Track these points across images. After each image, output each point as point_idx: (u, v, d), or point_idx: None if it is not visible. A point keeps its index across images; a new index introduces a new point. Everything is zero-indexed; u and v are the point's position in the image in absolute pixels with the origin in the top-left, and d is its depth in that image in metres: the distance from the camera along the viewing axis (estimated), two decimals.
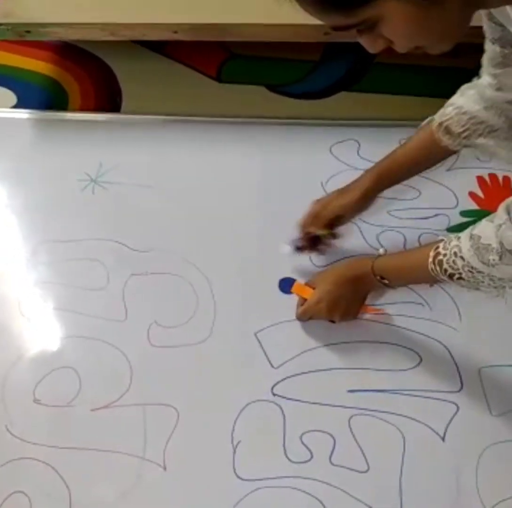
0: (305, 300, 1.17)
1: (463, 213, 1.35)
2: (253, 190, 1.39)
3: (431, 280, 1.03)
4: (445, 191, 1.38)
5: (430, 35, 0.75)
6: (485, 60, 1.01)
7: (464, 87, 1.10)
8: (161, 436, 1.07)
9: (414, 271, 1.04)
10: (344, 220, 1.23)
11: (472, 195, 1.38)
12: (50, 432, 1.08)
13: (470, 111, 1.07)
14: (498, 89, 1.02)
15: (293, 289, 1.20)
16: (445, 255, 0.96)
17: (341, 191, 1.22)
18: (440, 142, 1.11)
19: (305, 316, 1.18)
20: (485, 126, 1.07)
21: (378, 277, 1.08)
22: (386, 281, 1.09)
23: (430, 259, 0.98)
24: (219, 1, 1.54)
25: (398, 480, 1.04)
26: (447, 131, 1.10)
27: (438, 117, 1.12)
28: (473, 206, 1.36)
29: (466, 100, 1.08)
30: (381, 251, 1.10)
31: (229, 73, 1.72)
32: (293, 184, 1.39)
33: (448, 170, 1.40)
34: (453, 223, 1.33)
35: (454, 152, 1.13)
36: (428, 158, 1.17)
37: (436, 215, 1.34)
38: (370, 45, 0.78)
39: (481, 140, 1.09)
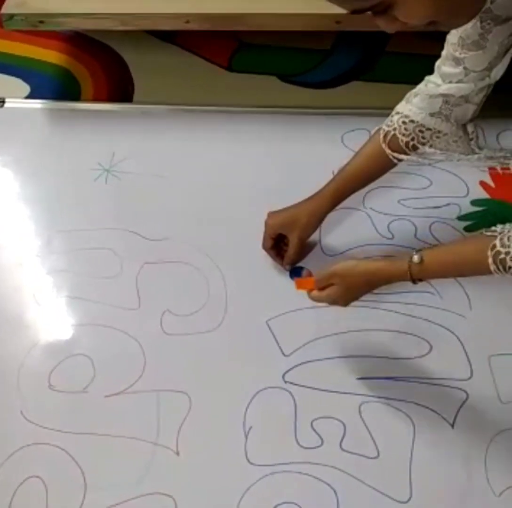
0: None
1: (474, 202, 1.35)
2: (264, 179, 1.40)
3: (480, 275, 0.97)
4: (456, 180, 1.39)
5: (445, 10, 0.75)
6: (449, 47, 1.01)
7: (410, 93, 1.11)
8: (174, 422, 1.08)
9: (466, 271, 1.00)
10: (294, 236, 1.21)
11: (483, 184, 1.38)
12: (65, 418, 1.09)
13: (415, 120, 1.08)
14: (458, 81, 1.02)
15: (297, 285, 1.14)
16: (507, 253, 0.90)
17: (295, 205, 1.22)
18: (386, 153, 1.12)
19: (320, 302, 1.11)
20: (431, 133, 1.09)
21: (416, 281, 1.01)
22: (423, 281, 1.02)
23: (490, 260, 0.91)
24: None
25: (408, 467, 1.04)
26: (392, 141, 1.11)
27: (385, 125, 1.13)
28: (484, 195, 1.37)
29: (411, 107, 1.09)
30: (416, 258, 0.98)
31: (240, 63, 1.73)
32: (304, 173, 1.39)
33: (459, 160, 1.40)
34: (464, 212, 1.33)
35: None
36: (377, 170, 1.17)
37: (447, 204, 1.35)
38: (387, 25, 0.78)
39: (427, 149, 1.10)
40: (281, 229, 1.23)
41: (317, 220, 1.22)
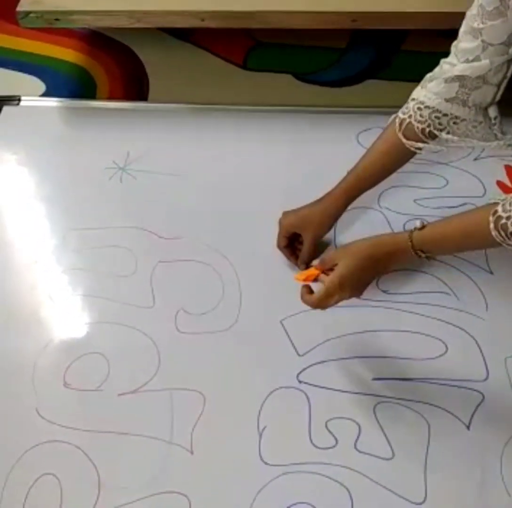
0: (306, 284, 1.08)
1: None
2: (280, 179, 1.40)
3: (487, 246, 0.98)
4: (472, 179, 1.38)
5: None
6: (468, 19, 0.99)
7: (426, 77, 1.08)
8: (188, 421, 1.08)
9: (469, 239, 0.98)
10: (308, 235, 1.21)
11: (500, 184, 1.37)
12: (79, 416, 1.09)
13: (431, 105, 1.06)
14: (474, 59, 0.99)
15: (298, 276, 1.11)
16: (508, 217, 0.90)
17: (309, 204, 1.22)
18: (403, 142, 1.09)
19: (323, 301, 1.05)
20: (448, 119, 1.06)
21: (419, 252, 1.01)
22: (427, 254, 1.01)
23: (492, 225, 0.91)
24: None
25: (422, 468, 1.04)
26: (408, 129, 1.08)
27: (400, 112, 1.10)
28: (501, 195, 1.35)
29: (426, 93, 1.06)
30: (418, 224, 1.00)
31: (256, 61, 1.73)
32: (319, 172, 1.38)
33: (476, 159, 1.39)
34: None
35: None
36: (393, 162, 1.15)
37: (463, 204, 1.33)
38: None
39: (444, 136, 1.07)
40: (295, 228, 1.23)
41: (331, 219, 1.21)
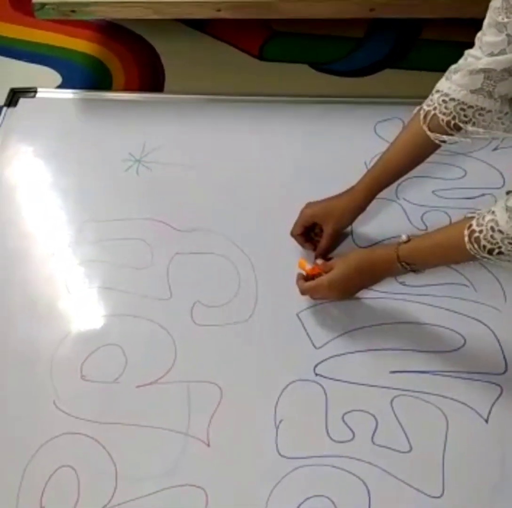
0: (306, 276, 1.18)
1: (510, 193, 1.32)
2: (296, 169, 1.39)
3: (463, 260, 1.02)
4: (491, 170, 1.36)
5: None
6: (492, 12, 0.96)
7: (451, 69, 1.06)
8: (205, 413, 1.08)
9: (447, 253, 1.03)
10: (329, 226, 1.22)
11: None
12: (97, 408, 1.10)
13: (456, 97, 1.04)
14: (500, 52, 0.96)
15: (302, 266, 1.20)
16: (481, 231, 0.95)
17: (333, 197, 1.23)
18: (427, 135, 1.08)
19: (310, 293, 1.17)
20: (473, 111, 1.04)
21: (403, 263, 1.07)
22: (411, 267, 1.08)
23: (466, 238, 0.96)
24: None
25: (440, 461, 1.03)
26: (433, 122, 1.07)
27: (425, 105, 1.09)
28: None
29: (450, 85, 1.04)
30: (404, 237, 1.08)
31: (272, 51, 1.72)
32: (337, 163, 1.38)
33: (495, 149, 1.37)
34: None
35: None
36: (418, 155, 1.14)
37: (482, 194, 1.32)
38: None
39: (469, 128, 1.05)
40: (317, 218, 1.23)
41: (352, 214, 1.22)
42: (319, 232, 1.25)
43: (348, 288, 1.18)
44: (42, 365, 1.14)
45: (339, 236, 1.26)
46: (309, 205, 1.24)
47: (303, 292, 1.18)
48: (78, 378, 1.13)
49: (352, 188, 1.20)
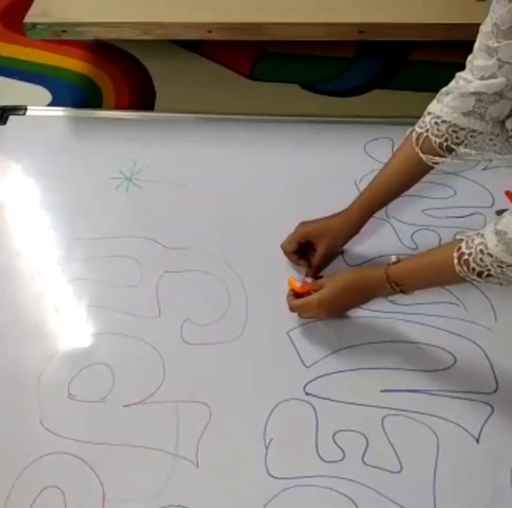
0: (296, 293, 1.18)
1: (500, 213, 1.33)
2: (286, 189, 1.39)
3: (453, 282, 1.03)
4: (481, 190, 1.37)
5: None
6: (482, 37, 0.97)
7: (442, 91, 1.07)
8: (194, 433, 1.07)
9: (436, 274, 1.04)
10: (323, 245, 1.22)
11: (508, 194, 1.36)
12: (84, 427, 1.08)
13: (448, 120, 1.05)
14: (490, 76, 0.98)
15: (292, 285, 1.19)
16: (470, 254, 0.95)
17: (328, 217, 1.23)
18: (419, 157, 1.09)
19: (300, 310, 1.17)
20: (465, 133, 1.05)
21: (393, 284, 1.07)
22: (401, 288, 1.08)
23: (455, 261, 0.97)
24: (252, 0, 1.54)
25: (431, 481, 1.02)
26: (425, 144, 1.08)
27: (417, 127, 1.10)
28: (510, 205, 1.34)
29: (442, 107, 1.06)
30: (393, 258, 1.09)
31: (263, 71, 1.73)
32: (327, 183, 1.39)
33: (484, 169, 1.38)
34: (489, 222, 1.31)
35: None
36: (411, 177, 1.15)
37: (472, 214, 1.33)
38: None
39: (461, 150, 1.07)
40: (311, 237, 1.23)
41: (346, 235, 1.23)
42: (311, 251, 1.25)
43: (337, 308, 1.17)
44: (29, 383, 1.12)
45: (332, 256, 1.26)
46: (304, 223, 1.25)
47: (292, 309, 1.18)
48: (66, 397, 1.11)
49: (347, 209, 1.21)
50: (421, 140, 1.08)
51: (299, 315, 1.19)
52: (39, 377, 1.13)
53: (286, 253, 1.26)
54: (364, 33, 1.52)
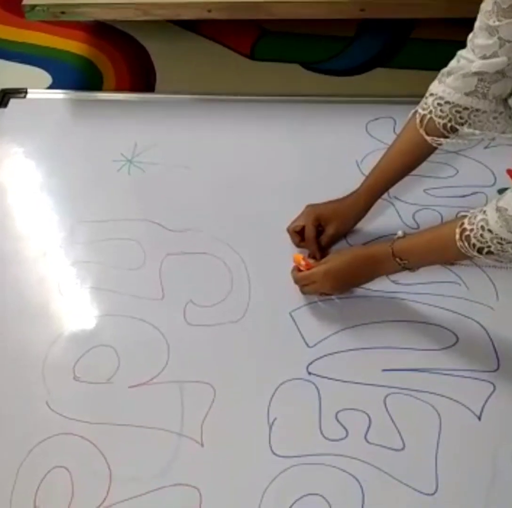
0: (300, 270, 1.18)
1: (501, 191, 1.32)
2: (288, 169, 1.39)
3: (455, 258, 1.04)
4: (482, 169, 1.37)
5: None
6: (483, 15, 0.97)
7: (443, 72, 1.06)
8: (198, 413, 1.08)
9: (439, 249, 1.04)
10: (332, 227, 1.23)
11: (510, 172, 1.36)
12: (90, 409, 1.09)
13: (451, 100, 1.05)
14: (492, 55, 0.97)
15: (297, 260, 1.19)
16: (471, 230, 0.96)
17: (336, 200, 1.23)
18: (424, 138, 1.09)
19: (305, 281, 1.17)
20: (468, 112, 1.05)
21: (398, 259, 1.08)
22: (405, 263, 1.08)
23: (457, 236, 0.97)
24: None
25: (433, 459, 1.04)
26: (429, 125, 1.08)
27: (420, 108, 1.10)
28: (511, 183, 1.34)
29: (445, 88, 1.05)
30: (400, 233, 1.10)
31: (263, 51, 1.72)
32: (328, 162, 1.39)
33: (486, 147, 1.38)
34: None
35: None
36: (416, 158, 1.16)
37: (473, 193, 1.33)
38: None
39: (466, 129, 1.07)
40: (320, 218, 1.23)
41: (355, 217, 1.23)
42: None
43: (343, 280, 1.17)
44: (34, 366, 1.13)
45: (339, 238, 1.26)
46: (312, 205, 1.24)
47: (297, 281, 1.18)
48: (71, 378, 1.12)
49: (355, 192, 1.21)
50: (425, 122, 1.09)
51: (302, 291, 1.19)
52: (45, 359, 1.14)
53: (291, 232, 1.26)
54: (365, 11, 1.51)
